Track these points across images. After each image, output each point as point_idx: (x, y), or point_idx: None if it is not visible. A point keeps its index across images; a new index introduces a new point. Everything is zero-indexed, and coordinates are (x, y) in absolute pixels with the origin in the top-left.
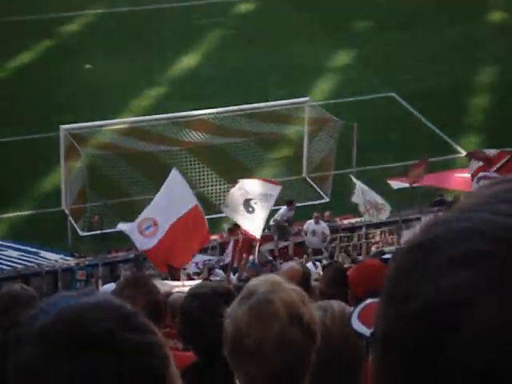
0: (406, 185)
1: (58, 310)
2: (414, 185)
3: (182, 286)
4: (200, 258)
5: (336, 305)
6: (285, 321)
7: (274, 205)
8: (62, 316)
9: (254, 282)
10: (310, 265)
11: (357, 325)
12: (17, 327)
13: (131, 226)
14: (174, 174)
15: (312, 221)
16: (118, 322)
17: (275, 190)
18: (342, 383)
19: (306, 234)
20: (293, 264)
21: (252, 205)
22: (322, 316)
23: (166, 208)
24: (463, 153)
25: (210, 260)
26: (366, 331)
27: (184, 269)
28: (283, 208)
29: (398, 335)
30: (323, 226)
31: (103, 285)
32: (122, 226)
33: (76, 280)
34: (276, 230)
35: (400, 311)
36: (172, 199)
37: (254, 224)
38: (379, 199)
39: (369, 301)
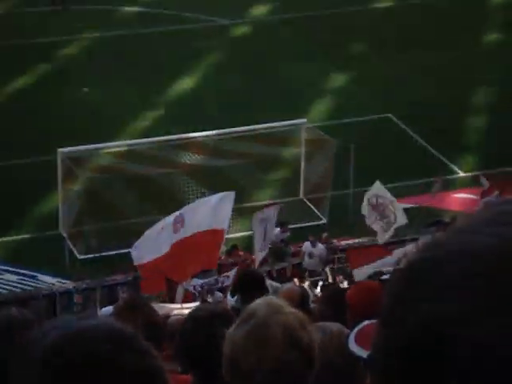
0: (408, 205)
1: (59, 334)
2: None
3: (180, 309)
4: (197, 281)
5: (334, 327)
6: (282, 345)
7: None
8: (63, 339)
9: (254, 304)
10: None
11: (354, 347)
12: (18, 350)
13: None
14: (230, 194)
15: (309, 243)
16: (118, 344)
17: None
18: None
19: (304, 256)
20: (291, 285)
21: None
22: (321, 337)
23: (200, 215)
24: (460, 173)
25: (208, 282)
26: (364, 353)
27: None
28: (277, 230)
29: (396, 354)
30: (320, 248)
31: (101, 308)
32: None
33: (73, 303)
34: (271, 252)
35: (398, 330)
36: (210, 211)
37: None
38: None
39: (365, 323)
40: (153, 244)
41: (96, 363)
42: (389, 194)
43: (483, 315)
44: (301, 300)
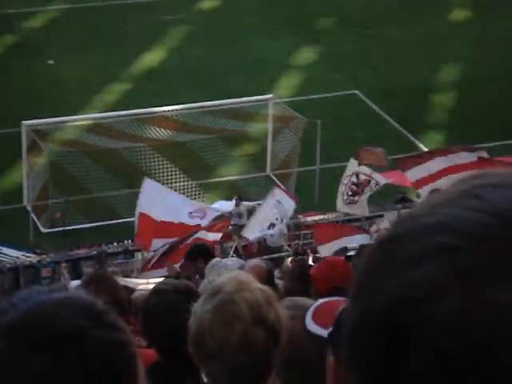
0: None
1: (28, 306)
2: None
3: (146, 284)
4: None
5: (302, 302)
6: (248, 322)
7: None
8: (31, 312)
9: (221, 279)
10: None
11: (311, 326)
12: None
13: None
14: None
15: (233, 202)
16: (88, 319)
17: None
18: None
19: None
20: (257, 262)
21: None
22: (292, 314)
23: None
24: (425, 150)
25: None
26: (323, 332)
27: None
28: (233, 204)
29: (366, 329)
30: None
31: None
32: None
33: (41, 277)
34: (234, 229)
35: (367, 305)
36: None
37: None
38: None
39: (321, 300)
40: (160, 202)
41: (63, 337)
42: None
43: (448, 287)
44: (267, 276)
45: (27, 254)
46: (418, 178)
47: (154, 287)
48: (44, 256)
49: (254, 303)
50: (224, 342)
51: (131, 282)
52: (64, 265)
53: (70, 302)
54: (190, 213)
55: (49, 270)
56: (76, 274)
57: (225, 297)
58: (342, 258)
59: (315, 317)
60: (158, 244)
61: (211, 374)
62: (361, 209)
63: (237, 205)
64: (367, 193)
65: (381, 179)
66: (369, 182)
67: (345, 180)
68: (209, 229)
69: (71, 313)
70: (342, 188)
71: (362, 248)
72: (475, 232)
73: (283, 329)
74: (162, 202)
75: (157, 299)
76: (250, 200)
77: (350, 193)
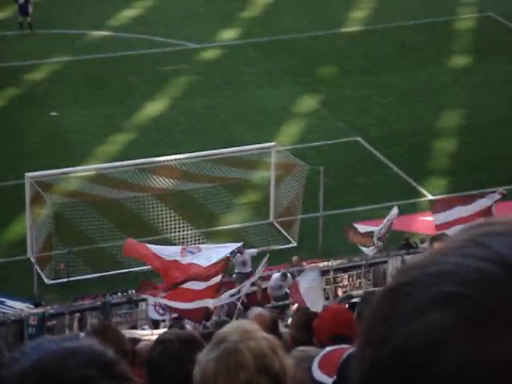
0: (373, 228)
1: (38, 355)
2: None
3: (150, 335)
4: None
5: (313, 352)
6: (252, 370)
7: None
8: (41, 361)
9: (225, 328)
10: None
11: (317, 374)
12: None
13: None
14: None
15: (278, 276)
16: (97, 369)
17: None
18: None
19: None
20: (261, 310)
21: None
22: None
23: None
24: (428, 196)
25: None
26: (328, 380)
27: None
28: (238, 254)
29: (374, 377)
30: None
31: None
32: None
33: (28, 325)
34: (241, 277)
35: (376, 354)
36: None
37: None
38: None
39: (328, 349)
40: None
41: None
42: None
43: (456, 336)
44: (272, 325)
45: (31, 306)
46: (442, 222)
47: (158, 337)
48: (48, 307)
49: (259, 352)
50: None
51: (136, 333)
52: (67, 316)
53: (79, 351)
54: (183, 249)
55: (35, 319)
56: (80, 325)
57: (229, 346)
58: (345, 306)
59: (321, 365)
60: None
61: None
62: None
63: (241, 253)
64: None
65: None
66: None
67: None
68: (205, 273)
69: (80, 362)
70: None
71: (367, 295)
72: (480, 280)
73: (288, 377)
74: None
75: (160, 349)
76: (254, 247)
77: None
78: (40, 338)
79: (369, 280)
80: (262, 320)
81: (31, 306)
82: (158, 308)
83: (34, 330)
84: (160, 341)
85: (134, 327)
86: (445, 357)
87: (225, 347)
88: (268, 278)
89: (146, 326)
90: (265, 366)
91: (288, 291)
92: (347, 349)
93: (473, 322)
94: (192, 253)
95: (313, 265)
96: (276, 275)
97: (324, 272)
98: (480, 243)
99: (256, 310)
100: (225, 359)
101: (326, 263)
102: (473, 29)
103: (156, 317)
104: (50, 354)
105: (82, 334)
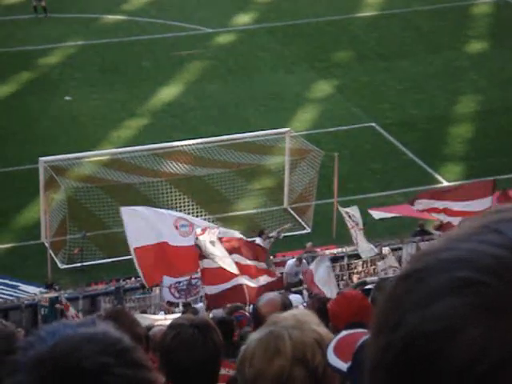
0: (388, 214)
1: (54, 340)
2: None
3: (163, 320)
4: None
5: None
6: (288, 359)
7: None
8: (57, 347)
9: (285, 313)
10: (295, 296)
11: (333, 359)
12: (13, 353)
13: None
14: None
15: (293, 262)
16: (113, 356)
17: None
18: None
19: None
20: (272, 295)
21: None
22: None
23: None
24: (444, 182)
25: (179, 282)
26: (343, 366)
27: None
28: (258, 238)
29: (387, 363)
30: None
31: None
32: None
33: (41, 306)
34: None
35: (389, 340)
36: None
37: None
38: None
39: (343, 333)
40: (148, 227)
41: (88, 374)
42: (358, 218)
43: (470, 322)
44: (283, 309)
45: (44, 291)
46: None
47: (171, 322)
48: (61, 292)
49: (300, 342)
50: (260, 373)
51: (149, 317)
52: (81, 301)
53: (96, 337)
54: (176, 227)
55: (46, 299)
56: (93, 310)
57: (275, 330)
58: (360, 292)
59: (336, 350)
60: (169, 281)
61: None
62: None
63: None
64: (358, 228)
65: (350, 210)
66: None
67: (359, 225)
68: (248, 272)
69: (96, 349)
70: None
71: (381, 282)
72: (494, 266)
73: (330, 374)
74: (145, 225)
75: (174, 334)
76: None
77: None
78: (56, 322)
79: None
80: (273, 304)
81: (44, 291)
82: (173, 290)
83: (47, 311)
84: (173, 326)
85: (145, 312)
86: (459, 343)
87: (270, 331)
88: (283, 264)
89: (159, 312)
90: (303, 357)
91: (302, 278)
92: (363, 333)
93: (487, 308)
94: (184, 226)
95: (322, 252)
96: (291, 261)
97: (338, 258)
98: (495, 229)
99: (268, 295)
100: (265, 342)
101: (340, 249)
102: (489, 14)
103: (171, 299)
104: (67, 339)
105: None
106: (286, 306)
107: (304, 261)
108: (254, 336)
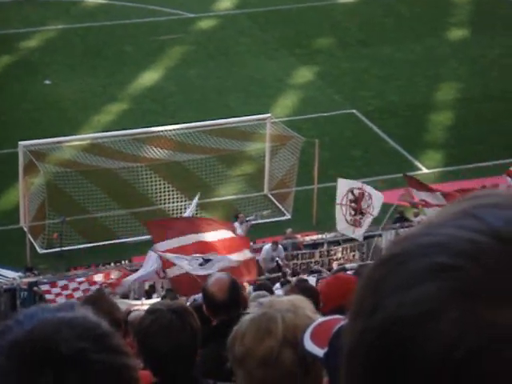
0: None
1: (32, 324)
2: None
3: (141, 305)
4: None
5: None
6: (278, 340)
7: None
8: (35, 331)
9: (282, 297)
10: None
11: (309, 345)
12: None
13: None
14: None
15: (269, 247)
16: (91, 341)
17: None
18: None
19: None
20: (220, 274)
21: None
22: None
23: None
24: (424, 169)
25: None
26: (319, 352)
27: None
28: (236, 223)
29: (364, 348)
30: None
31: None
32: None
33: (20, 290)
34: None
35: (366, 325)
36: None
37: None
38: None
39: (320, 319)
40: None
41: (65, 360)
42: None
43: (448, 307)
44: (231, 288)
45: (23, 275)
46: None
47: (149, 307)
48: (40, 276)
49: (292, 325)
50: (249, 352)
51: (127, 302)
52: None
53: (74, 322)
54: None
55: (26, 283)
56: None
57: (268, 312)
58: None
59: (313, 336)
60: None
61: (237, 382)
62: (363, 231)
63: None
64: (370, 213)
65: (371, 191)
66: (363, 194)
67: (342, 201)
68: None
69: (75, 334)
70: (340, 209)
71: (360, 267)
72: (471, 252)
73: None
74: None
75: (151, 319)
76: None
77: (352, 212)
78: (34, 306)
79: (362, 253)
80: (221, 283)
81: (23, 275)
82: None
83: (26, 294)
84: (151, 311)
85: (126, 297)
86: (435, 328)
87: (264, 312)
88: (259, 250)
89: (137, 296)
90: (294, 340)
91: (280, 262)
92: (341, 319)
93: (464, 293)
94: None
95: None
96: (267, 246)
97: (318, 245)
98: (473, 215)
99: (215, 275)
100: (258, 322)
101: (320, 236)
102: (470, 1)
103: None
104: (45, 323)
105: (76, 302)
106: (235, 284)
107: (280, 246)
108: (248, 316)
